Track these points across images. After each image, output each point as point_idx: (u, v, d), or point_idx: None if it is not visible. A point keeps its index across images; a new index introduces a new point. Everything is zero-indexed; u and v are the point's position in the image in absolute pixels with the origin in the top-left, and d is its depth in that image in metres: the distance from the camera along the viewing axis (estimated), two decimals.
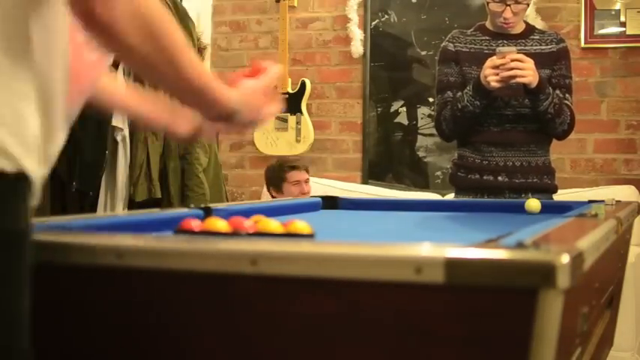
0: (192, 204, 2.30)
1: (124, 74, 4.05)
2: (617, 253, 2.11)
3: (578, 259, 1.05)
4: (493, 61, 2.92)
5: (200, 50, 4.52)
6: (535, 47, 3.13)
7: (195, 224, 1.50)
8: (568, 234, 1.48)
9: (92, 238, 1.25)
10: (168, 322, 1.14)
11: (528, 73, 2.91)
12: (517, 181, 3.09)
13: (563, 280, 0.97)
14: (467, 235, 1.70)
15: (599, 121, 4.46)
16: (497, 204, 2.72)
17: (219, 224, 1.46)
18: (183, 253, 1.13)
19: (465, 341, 1.01)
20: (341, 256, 1.06)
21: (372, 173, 4.89)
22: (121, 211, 3.91)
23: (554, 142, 4.52)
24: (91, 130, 3.94)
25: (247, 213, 1.85)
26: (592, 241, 1.27)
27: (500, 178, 3.08)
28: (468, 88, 3.02)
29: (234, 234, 1.43)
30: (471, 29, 3.24)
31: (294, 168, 4.00)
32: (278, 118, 4.89)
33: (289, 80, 4.90)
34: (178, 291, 1.13)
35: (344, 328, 1.05)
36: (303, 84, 4.90)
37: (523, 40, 3.14)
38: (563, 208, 2.37)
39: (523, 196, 3.03)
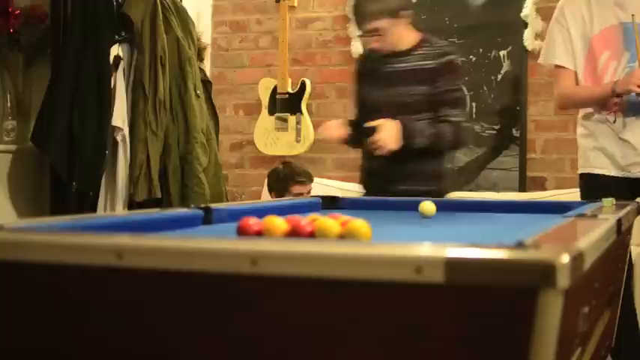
0: (193, 204, 2.30)
1: (123, 75, 4.05)
2: (617, 253, 2.11)
3: (578, 259, 1.05)
4: None
5: (200, 50, 4.52)
6: (414, 63, 3.14)
7: (254, 222, 1.56)
8: (568, 234, 1.48)
9: (92, 238, 1.25)
10: (168, 321, 1.14)
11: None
12: None
13: (563, 280, 0.97)
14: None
15: None
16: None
17: (278, 222, 1.52)
18: (183, 253, 1.13)
19: (465, 341, 1.01)
20: (341, 256, 1.06)
21: None
22: (121, 211, 3.91)
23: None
24: (91, 130, 3.95)
25: (248, 213, 1.85)
26: (592, 241, 1.27)
27: None
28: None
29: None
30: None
31: (299, 182, 4.01)
32: (278, 118, 4.89)
33: (289, 80, 4.90)
34: (178, 291, 1.13)
35: (344, 328, 1.05)
36: (303, 84, 4.90)
37: (406, 57, 3.16)
38: (563, 208, 2.37)
39: None
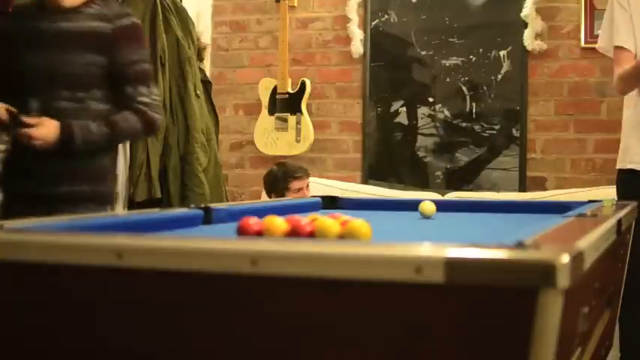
0: (193, 204, 2.30)
1: None
2: (617, 253, 2.11)
3: (578, 259, 1.05)
4: None
5: (200, 50, 4.52)
6: (83, 24, 2.59)
7: (254, 222, 1.57)
8: (568, 234, 1.48)
9: (92, 238, 1.25)
10: (168, 321, 1.14)
11: None
12: None
13: (563, 280, 0.97)
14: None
15: (599, 121, 4.46)
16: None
17: (278, 222, 1.53)
18: (183, 253, 1.13)
19: (465, 341, 1.01)
20: (341, 256, 1.06)
21: (372, 173, 4.89)
22: (121, 211, 3.91)
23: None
24: None
25: (248, 213, 1.85)
26: (592, 241, 1.27)
27: None
28: None
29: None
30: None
31: (297, 178, 4.02)
32: (278, 118, 4.89)
33: (289, 80, 4.90)
34: (178, 291, 1.13)
35: (344, 328, 1.05)
36: (303, 84, 4.90)
37: (72, 15, 2.60)
38: (563, 208, 2.37)
39: None
